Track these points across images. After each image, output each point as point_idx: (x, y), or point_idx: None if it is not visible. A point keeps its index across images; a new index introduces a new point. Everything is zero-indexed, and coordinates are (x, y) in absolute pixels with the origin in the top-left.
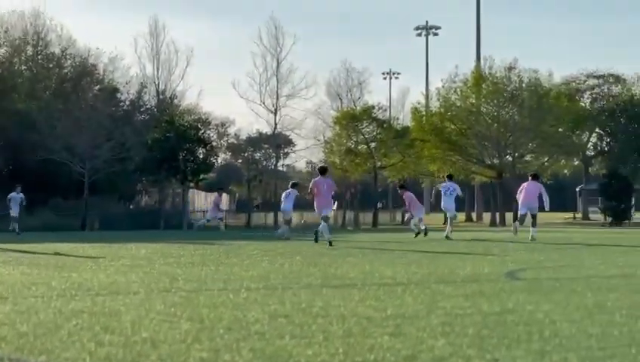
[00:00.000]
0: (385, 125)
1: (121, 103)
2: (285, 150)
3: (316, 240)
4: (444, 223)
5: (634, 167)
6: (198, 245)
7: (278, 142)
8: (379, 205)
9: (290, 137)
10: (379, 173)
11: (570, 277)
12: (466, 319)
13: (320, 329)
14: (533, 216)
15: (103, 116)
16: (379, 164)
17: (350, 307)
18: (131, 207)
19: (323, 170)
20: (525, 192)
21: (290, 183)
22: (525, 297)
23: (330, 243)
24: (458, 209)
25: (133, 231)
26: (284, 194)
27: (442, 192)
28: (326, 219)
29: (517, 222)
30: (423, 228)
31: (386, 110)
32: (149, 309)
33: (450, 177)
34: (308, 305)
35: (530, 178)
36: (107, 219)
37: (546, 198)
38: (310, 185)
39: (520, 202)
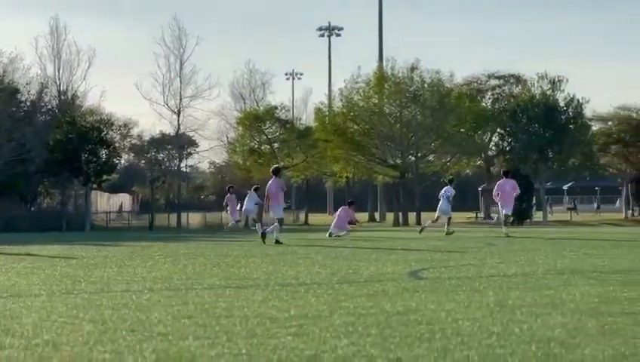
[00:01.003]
0: (288, 125)
1: (22, 104)
2: (189, 151)
3: (264, 242)
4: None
5: (535, 167)
6: (100, 247)
7: (182, 142)
8: (285, 205)
9: (193, 138)
10: (282, 173)
11: (471, 276)
12: (369, 319)
13: (223, 330)
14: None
15: (3, 117)
16: (282, 164)
17: (253, 307)
18: (32, 208)
19: (275, 171)
20: (503, 193)
21: (253, 188)
22: (428, 296)
23: (277, 241)
24: (363, 209)
25: (35, 233)
26: (247, 197)
27: (443, 196)
28: (279, 221)
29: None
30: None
31: (289, 110)
32: (50, 311)
33: (451, 181)
34: (211, 306)
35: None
36: (8, 221)
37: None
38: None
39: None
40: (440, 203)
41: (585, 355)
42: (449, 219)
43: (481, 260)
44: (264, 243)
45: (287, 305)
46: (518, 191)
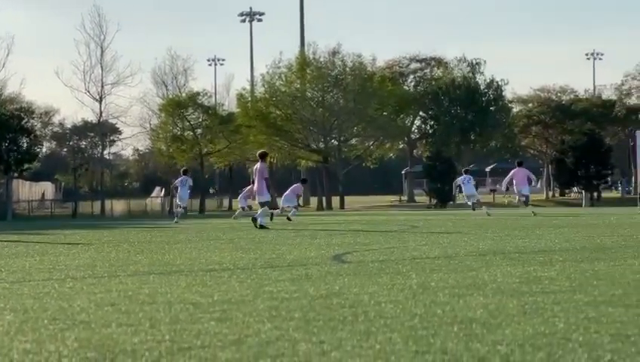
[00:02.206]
0: (210, 112)
1: None
2: (111, 138)
3: (255, 226)
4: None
5: (457, 149)
6: (22, 235)
7: (104, 130)
8: (210, 191)
9: (116, 125)
10: (205, 160)
11: (395, 259)
12: (292, 303)
13: (147, 317)
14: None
15: None
16: (205, 150)
17: (177, 293)
18: None
19: (261, 156)
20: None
21: (182, 170)
22: (351, 280)
23: (262, 226)
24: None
25: None
26: (179, 182)
27: (463, 182)
28: (263, 204)
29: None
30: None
31: (211, 97)
32: None
33: (467, 171)
34: (135, 293)
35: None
36: None
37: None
38: None
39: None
40: (466, 188)
41: (506, 335)
42: (479, 201)
43: (404, 243)
44: (256, 226)
45: (210, 291)
46: (533, 177)
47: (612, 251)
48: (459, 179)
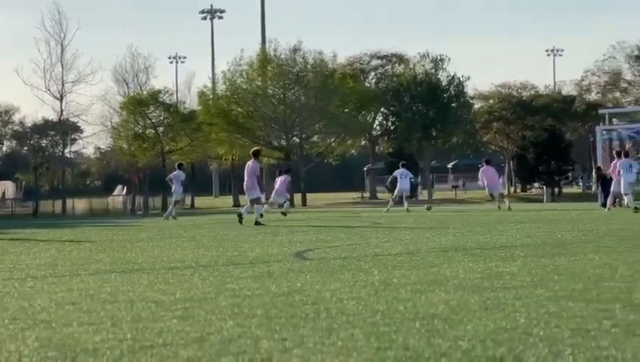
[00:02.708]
0: (172, 109)
1: None
2: (72, 136)
3: (240, 222)
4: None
5: (418, 146)
6: None
7: (65, 128)
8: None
9: (77, 123)
10: (167, 158)
11: (357, 255)
12: (254, 300)
13: (108, 315)
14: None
15: None
16: (167, 148)
17: (139, 291)
18: None
19: (254, 154)
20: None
21: (177, 164)
22: (313, 277)
23: (257, 223)
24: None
25: None
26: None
27: (401, 176)
28: (254, 201)
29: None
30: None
31: (172, 94)
32: None
33: (404, 165)
34: (96, 292)
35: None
36: None
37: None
38: None
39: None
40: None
41: (467, 330)
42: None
43: (366, 239)
44: (240, 223)
45: (172, 289)
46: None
47: (573, 246)
48: (396, 172)
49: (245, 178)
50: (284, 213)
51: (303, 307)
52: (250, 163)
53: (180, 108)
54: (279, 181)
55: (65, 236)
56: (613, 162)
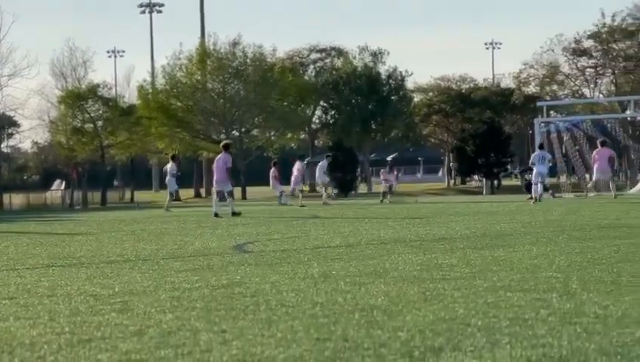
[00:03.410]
0: (111, 103)
1: None
2: (9, 131)
3: (217, 216)
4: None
5: (358, 139)
6: None
7: (1, 123)
8: (115, 183)
9: (14, 118)
10: (106, 152)
11: (296, 248)
12: (194, 293)
13: (46, 309)
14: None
15: None
16: (106, 142)
17: (77, 285)
18: None
19: (224, 146)
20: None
21: (170, 155)
22: (252, 269)
23: (234, 213)
24: (188, 185)
25: None
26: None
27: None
28: (225, 194)
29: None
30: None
31: (111, 88)
32: None
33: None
34: (33, 286)
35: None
36: None
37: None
38: None
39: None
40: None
41: (406, 321)
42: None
43: (305, 232)
44: (217, 216)
45: (111, 282)
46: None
47: (511, 237)
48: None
49: (215, 171)
50: (303, 205)
51: (243, 299)
52: (220, 156)
53: (119, 102)
54: (296, 168)
55: (1, 231)
56: (595, 151)
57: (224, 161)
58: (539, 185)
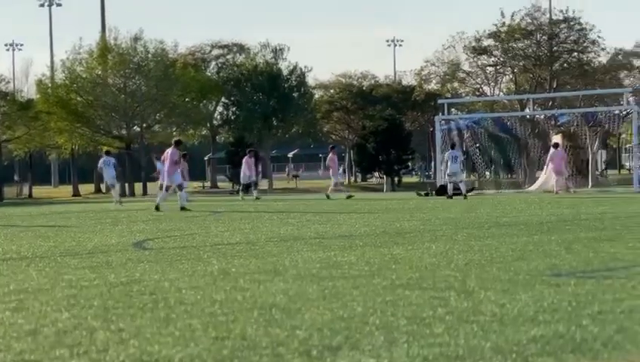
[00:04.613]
0: (9, 98)
1: None
2: None
3: (182, 209)
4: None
5: (259, 135)
6: None
7: None
8: (15, 178)
9: None
10: (3, 146)
11: (196, 245)
12: (91, 290)
13: None
14: None
15: None
16: (3, 137)
17: None
18: None
19: (175, 143)
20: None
21: (104, 151)
22: (152, 266)
23: (182, 208)
24: (89, 181)
25: None
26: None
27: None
28: (174, 187)
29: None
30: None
31: (9, 82)
32: None
33: (453, 146)
34: None
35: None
36: None
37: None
38: None
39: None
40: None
41: (305, 320)
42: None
43: (205, 229)
44: (158, 210)
45: (7, 280)
46: None
47: (411, 235)
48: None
49: (166, 165)
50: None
51: (141, 297)
52: (169, 150)
53: (18, 96)
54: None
55: None
56: (550, 152)
57: (171, 155)
58: (460, 183)
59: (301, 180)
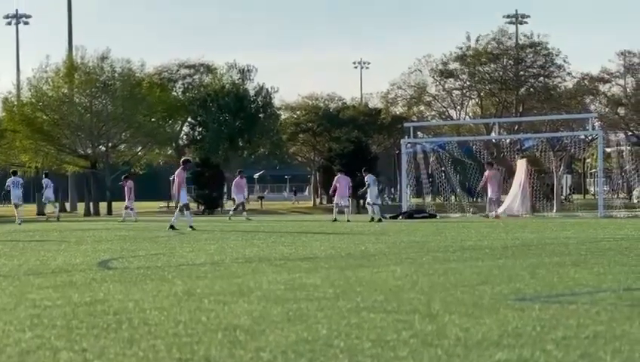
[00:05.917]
0: None
1: None
2: None
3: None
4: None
5: (225, 156)
6: None
7: None
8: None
9: None
10: None
11: (161, 265)
12: (55, 310)
13: None
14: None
15: None
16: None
17: None
18: None
19: (183, 162)
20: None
21: (11, 171)
22: (116, 286)
23: (172, 227)
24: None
25: None
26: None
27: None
28: (183, 207)
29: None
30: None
31: None
32: None
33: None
34: None
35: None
36: None
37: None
38: None
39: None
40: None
41: (269, 341)
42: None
43: (170, 249)
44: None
45: None
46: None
47: (376, 258)
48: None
49: (173, 186)
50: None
51: (105, 317)
52: (177, 171)
53: None
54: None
55: None
56: (485, 174)
57: (177, 175)
58: (377, 206)
59: (266, 201)
